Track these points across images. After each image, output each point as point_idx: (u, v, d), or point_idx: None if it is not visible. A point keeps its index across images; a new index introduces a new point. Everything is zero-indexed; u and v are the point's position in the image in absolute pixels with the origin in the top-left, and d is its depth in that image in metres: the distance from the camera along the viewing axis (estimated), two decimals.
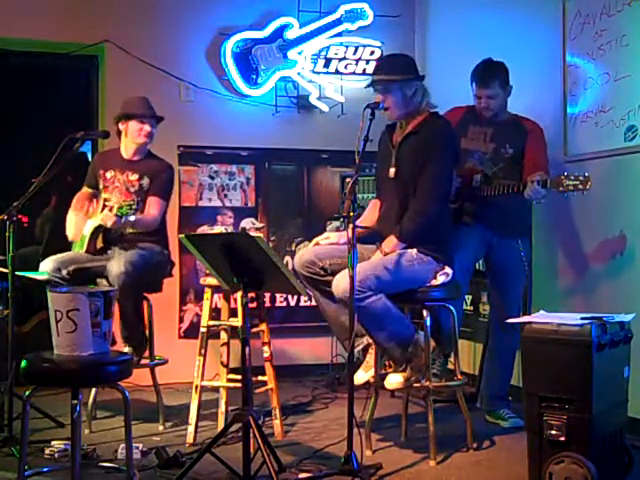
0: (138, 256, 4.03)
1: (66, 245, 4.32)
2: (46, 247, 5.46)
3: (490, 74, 4.10)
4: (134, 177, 4.24)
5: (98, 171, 4.33)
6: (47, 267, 4.02)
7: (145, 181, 4.24)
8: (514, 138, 4.11)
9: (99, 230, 4.12)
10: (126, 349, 4.02)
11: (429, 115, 3.66)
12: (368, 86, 3.71)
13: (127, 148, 4.30)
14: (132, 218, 3.92)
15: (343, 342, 3.67)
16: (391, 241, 3.57)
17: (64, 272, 4.01)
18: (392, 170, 3.68)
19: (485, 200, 4.05)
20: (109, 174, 4.29)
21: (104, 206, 4.16)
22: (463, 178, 4.08)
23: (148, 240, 4.19)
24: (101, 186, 4.31)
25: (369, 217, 3.88)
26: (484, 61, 4.16)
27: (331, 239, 3.73)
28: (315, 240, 3.77)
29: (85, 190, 4.39)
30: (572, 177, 3.68)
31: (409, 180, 3.61)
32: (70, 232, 4.22)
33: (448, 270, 3.61)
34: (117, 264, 3.91)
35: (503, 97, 4.13)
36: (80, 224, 4.19)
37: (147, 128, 4.22)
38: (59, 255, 4.13)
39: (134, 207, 3.87)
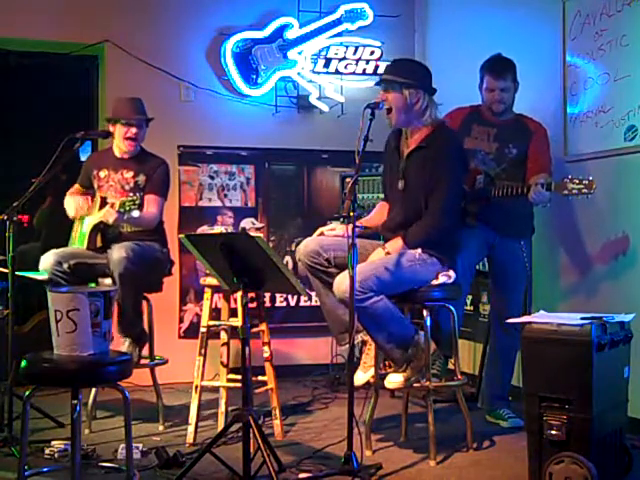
0: (138, 246, 4.05)
1: (64, 242, 4.33)
2: (44, 244, 5.47)
3: (504, 67, 4.10)
4: (129, 175, 4.25)
5: (92, 171, 4.33)
6: (48, 260, 4.01)
7: (141, 178, 4.24)
8: (518, 138, 4.09)
9: (98, 227, 4.13)
10: (125, 344, 4.01)
11: (436, 127, 3.63)
12: (377, 84, 3.71)
13: (119, 148, 4.30)
14: (135, 214, 3.88)
15: (337, 335, 3.67)
16: (397, 243, 3.56)
17: (65, 266, 4.00)
18: (401, 182, 3.67)
19: (488, 201, 4.04)
20: (103, 173, 4.30)
21: (102, 204, 4.12)
22: (466, 179, 4.07)
23: (146, 238, 4.20)
24: (95, 186, 4.32)
25: (376, 218, 3.87)
26: (495, 55, 4.15)
27: (337, 231, 3.70)
28: (320, 230, 3.74)
29: (77, 187, 4.42)
30: (576, 181, 3.66)
31: (418, 194, 3.59)
32: (71, 210, 4.26)
33: (451, 273, 3.60)
34: (118, 251, 3.92)
35: (513, 92, 4.13)
36: (79, 203, 4.23)
37: (133, 130, 4.21)
38: (60, 249, 4.13)
39: (137, 202, 3.84)
